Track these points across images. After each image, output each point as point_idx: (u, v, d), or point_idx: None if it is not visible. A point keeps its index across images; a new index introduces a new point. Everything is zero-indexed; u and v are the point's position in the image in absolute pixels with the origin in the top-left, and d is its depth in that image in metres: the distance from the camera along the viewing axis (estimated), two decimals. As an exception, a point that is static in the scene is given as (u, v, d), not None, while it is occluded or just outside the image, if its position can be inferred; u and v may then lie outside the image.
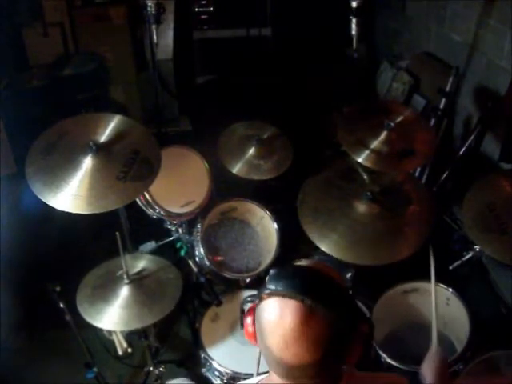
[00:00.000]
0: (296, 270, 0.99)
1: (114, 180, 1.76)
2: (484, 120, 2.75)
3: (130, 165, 1.81)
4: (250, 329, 1.02)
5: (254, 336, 1.01)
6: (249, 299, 1.06)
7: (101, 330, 1.87)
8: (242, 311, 1.07)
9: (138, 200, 2.16)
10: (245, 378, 1.72)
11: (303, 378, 0.94)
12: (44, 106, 3.21)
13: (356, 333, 0.94)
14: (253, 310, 1.00)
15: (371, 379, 1.15)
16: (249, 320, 1.02)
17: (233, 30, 4.11)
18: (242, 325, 1.08)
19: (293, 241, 2.36)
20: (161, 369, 2.22)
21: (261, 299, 0.96)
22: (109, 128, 1.90)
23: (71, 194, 1.71)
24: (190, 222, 2.32)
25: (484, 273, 2.64)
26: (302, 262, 1.04)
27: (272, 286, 0.94)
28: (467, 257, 1.98)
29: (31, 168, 1.76)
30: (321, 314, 0.90)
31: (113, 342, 2.16)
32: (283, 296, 0.92)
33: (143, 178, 1.81)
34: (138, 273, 1.94)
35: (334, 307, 0.91)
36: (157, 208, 2.17)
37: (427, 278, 2.00)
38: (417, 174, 2.95)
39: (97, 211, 1.70)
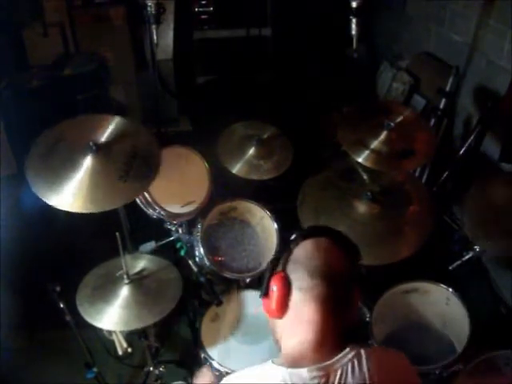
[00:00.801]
0: (314, 226, 1.32)
1: (116, 180, 1.77)
2: (484, 120, 2.75)
3: (130, 164, 1.82)
4: (281, 290, 1.10)
5: (282, 299, 1.10)
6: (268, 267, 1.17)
7: (101, 330, 1.87)
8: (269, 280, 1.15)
9: (137, 200, 2.15)
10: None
11: (329, 311, 1.07)
12: (44, 105, 3.21)
13: (359, 278, 1.16)
14: (281, 273, 1.11)
15: (378, 352, 1.24)
16: (279, 284, 1.10)
17: (233, 30, 4.11)
18: (265, 293, 1.14)
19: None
20: (161, 369, 2.22)
21: (295, 245, 1.14)
22: (108, 129, 1.90)
23: (71, 194, 1.71)
24: (190, 222, 2.32)
25: (484, 273, 2.65)
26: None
27: (304, 233, 1.17)
28: (467, 257, 1.98)
29: (31, 168, 1.76)
30: (340, 246, 1.15)
31: (113, 342, 2.15)
32: (315, 236, 1.15)
33: (144, 177, 1.82)
34: (138, 273, 1.94)
35: (349, 246, 1.17)
36: (157, 208, 2.16)
37: (427, 278, 2.00)
38: (417, 173, 2.95)
39: (98, 210, 1.70)
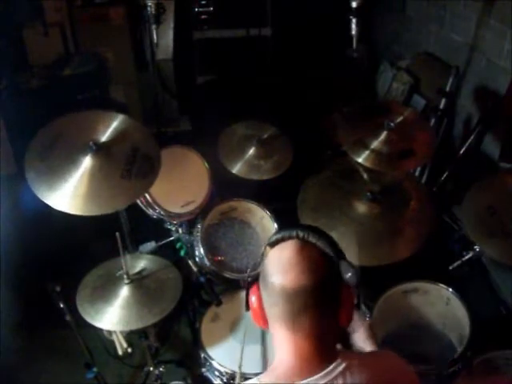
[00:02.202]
0: (292, 226, 1.12)
1: (119, 179, 1.76)
2: (484, 120, 2.75)
3: (131, 163, 1.81)
4: (256, 304, 1.08)
5: (261, 311, 1.07)
6: (250, 279, 1.13)
7: (101, 330, 1.87)
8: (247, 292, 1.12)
9: (138, 200, 2.16)
10: (245, 379, 1.72)
11: (304, 311, 1.00)
12: (44, 105, 3.20)
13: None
14: (254, 284, 1.09)
15: (370, 358, 1.16)
16: (253, 298, 1.09)
17: (233, 30, 4.11)
18: (247, 306, 1.13)
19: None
20: (161, 369, 2.22)
21: (264, 254, 1.09)
22: (108, 127, 1.90)
23: (72, 194, 1.71)
24: (190, 222, 2.32)
25: (484, 273, 2.64)
26: None
27: (273, 239, 1.09)
28: (467, 257, 1.98)
29: (31, 168, 1.75)
30: (313, 243, 1.06)
31: (113, 342, 2.16)
32: (282, 240, 1.07)
33: (147, 175, 1.82)
34: (138, 273, 1.94)
35: (324, 239, 1.07)
36: (157, 208, 2.17)
37: (427, 278, 2.00)
38: (417, 173, 2.95)
39: (100, 212, 1.70)
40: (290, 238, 1.07)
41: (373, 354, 1.15)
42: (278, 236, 1.09)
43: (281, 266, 1.02)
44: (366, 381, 1.01)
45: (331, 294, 1.04)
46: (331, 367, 1.01)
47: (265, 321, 1.08)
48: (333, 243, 1.08)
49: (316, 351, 1.02)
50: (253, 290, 1.10)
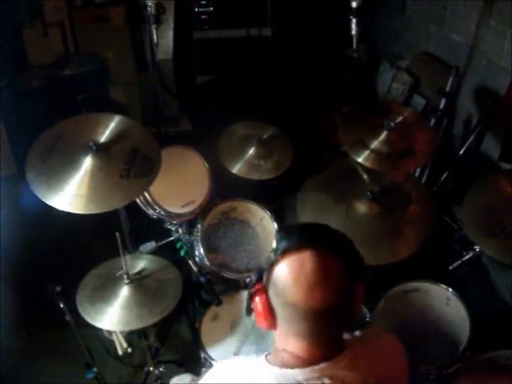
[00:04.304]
0: (300, 226, 1.08)
1: (118, 178, 1.77)
2: (484, 120, 2.75)
3: (131, 162, 1.82)
4: (260, 307, 1.04)
5: (267, 314, 1.03)
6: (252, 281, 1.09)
7: (101, 330, 1.87)
8: (251, 296, 1.07)
9: (137, 200, 2.16)
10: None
11: (319, 325, 0.99)
12: (44, 106, 3.20)
13: (360, 279, 1.03)
14: (260, 289, 1.03)
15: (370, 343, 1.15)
16: (258, 299, 1.04)
17: (233, 30, 4.10)
18: (249, 310, 1.09)
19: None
20: (161, 369, 2.22)
21: (275, 262, 1.00)
22: (108, 128, 1.91)
23: (72, 194, 1.71)
24: (190, 222, 2.32)
25: (484, 273, 2.64)
26: None
27: (283, 245, 1.00)
28: (467, 257, 1.98)
29: (31, 169, 1.76)
30: (335, 256, 0.99)
31: (113, 342, 2.15)
32: (298, 250, 0.98)
33: (146, 175, 1.82)
34: (138, 273, 1.94)
35: (344, 251, 1.01)
36: (157, 208, 2.17)
37: (427, 278, 2.00)
38: (417, 174, 2.95)
39: (100, 211, 1.70)
40: (305, 247, 0.99)
41: (376, 338, 1.16)
42: (290, 245, 1.00)
43: (306, 284, 0.96)
44: (369, 370, 1.03)
45: (349, 304, 1.03)
46: (337, 359, 1.02)
47: (271, 324, 1.05)
48: (347, 246, 1.04)
49: (324, 351, 1.03)
50: (258, 294, 1.04)
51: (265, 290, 1.03)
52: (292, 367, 1.01)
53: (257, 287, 1.05)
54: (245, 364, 1.11)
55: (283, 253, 1.00)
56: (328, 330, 1.02)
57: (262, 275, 1.04)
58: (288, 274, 0.99)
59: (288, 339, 1.04)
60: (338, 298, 0.98)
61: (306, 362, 1.02)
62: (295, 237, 1.02)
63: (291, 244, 1.00)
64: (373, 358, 1.07)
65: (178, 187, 2.24)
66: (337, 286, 0.98)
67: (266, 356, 1.07)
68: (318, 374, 1.00)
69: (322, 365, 1.01)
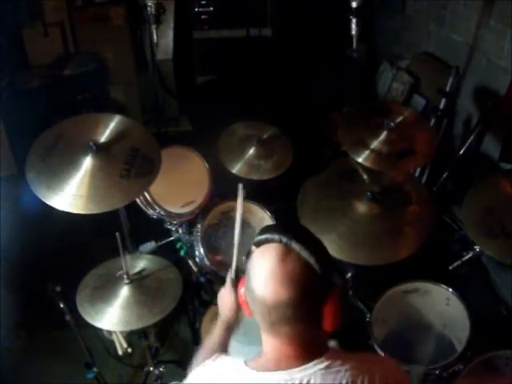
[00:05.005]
0: (279, 222, 1.11)
1: (118, 178, 1.77)
2: (484, 120, 2.75)
3: (131, 162, 1.83)
4: (243, 297, 1.10)
5: (246, 307, 1.10)
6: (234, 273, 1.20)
7: (101, 330, 1.87)
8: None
9: (137, 200, 2.16)
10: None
11: (283, 321, 0.99)
12: (44, 106, 3.21)
13: (331, 284, 1.01)
14: (240, 282, 1.12)
15: (358, 359, 1.07)
16: (242, 290, 1.11)
17: (233, 30, 4.11)
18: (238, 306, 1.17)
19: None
20: (161, 369, 2.22)
21: (249, 254, 1.05)
22: (108, 128, 1.91)
23: (72, 194, 1.71)
24: (190, 222, 2.32)
25: (484, 273, 2.64)
26: None
27: (257, 239, 1.05)
28: (467, 257, 1.99)
29: (31, 169, 1.76)
30: (296, 252, 0.98)
31: (113, 342, 2.16)
32: (266, 241, 1.03)
33: (146, 175, 1.83)
34: (138, 273, 1.94)
35: (309, 247, 0.99)
36: (157, 208, 2.17)
37: (427, 278, 2.01)
38: (417, 174, 2.95)
39: (100, 211, 1.70)
40: (273, 241, 1.01)
41: (360, 356, 1.08)
42: (262, 237, 1.04)
43: (262, 275, 0.99)
44: (346, 380, 0.98)
45: (313, 306, 1.00)
46: (311, 364, 1.00)
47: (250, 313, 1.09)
48: (319, 251, 1.01)
49: (295, 352, 1.02)
50: (241, 283, 1.11)
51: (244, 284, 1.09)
52: (267, 370, 1.01)
53: (241, 279, 1.12)
54: (224, 366, 1.11)
55: (256, 244, 1.06)
56: (297, 331, 1.01)
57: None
58: (252, 264, 1.03)
59: (264, 338, 1.06)
60: (300, 296, 0.96)
61: (282, 365, 1.01)
62: (269, 232, 1.05)
63: (262, 238, 1.04)
64: (355, 363, 1.03)
65: (177, 187, 2.24)
66: (299, 283, 0.97)
67: (245, 362, 1.07)
68: (289, 376, 0.99)
69: (296, 368, 1.00)
